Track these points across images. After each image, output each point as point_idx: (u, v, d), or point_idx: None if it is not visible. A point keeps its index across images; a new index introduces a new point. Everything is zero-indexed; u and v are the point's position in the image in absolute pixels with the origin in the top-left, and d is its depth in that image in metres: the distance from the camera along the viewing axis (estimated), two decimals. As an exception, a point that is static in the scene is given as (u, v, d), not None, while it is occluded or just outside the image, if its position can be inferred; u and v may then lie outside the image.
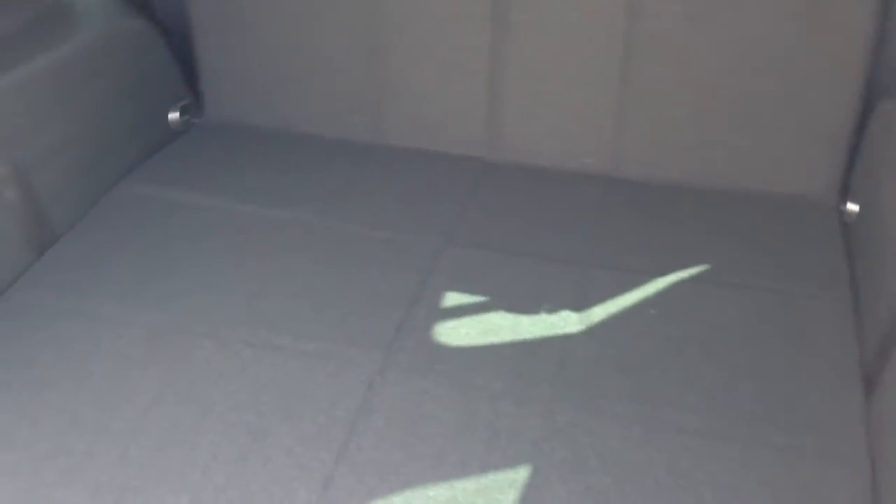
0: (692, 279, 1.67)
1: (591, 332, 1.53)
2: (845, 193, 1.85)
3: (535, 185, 1.97)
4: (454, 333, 1.53)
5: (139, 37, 2.04)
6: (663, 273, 1.67)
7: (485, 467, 1.28)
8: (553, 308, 1.58)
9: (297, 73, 2.09)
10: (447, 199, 1.91)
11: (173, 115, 2.11)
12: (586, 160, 1.99)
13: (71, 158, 1.83)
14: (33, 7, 1.87)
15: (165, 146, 2.08)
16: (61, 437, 1.33)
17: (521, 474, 1.27)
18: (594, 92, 1.95)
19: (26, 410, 1.38)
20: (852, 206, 1.79)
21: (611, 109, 1.94)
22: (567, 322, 1.55)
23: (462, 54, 1.98)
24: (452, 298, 1.61)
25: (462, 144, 2.06)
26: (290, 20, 2.04)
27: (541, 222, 1.84)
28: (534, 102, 2.00)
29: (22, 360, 1.49)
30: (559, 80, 1.96)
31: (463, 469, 1.28)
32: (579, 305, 1.59)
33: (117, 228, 1.81)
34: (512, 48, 1.95)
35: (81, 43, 1.87)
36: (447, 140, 2.07)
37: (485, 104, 2.01)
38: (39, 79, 1.76)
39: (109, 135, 1.94)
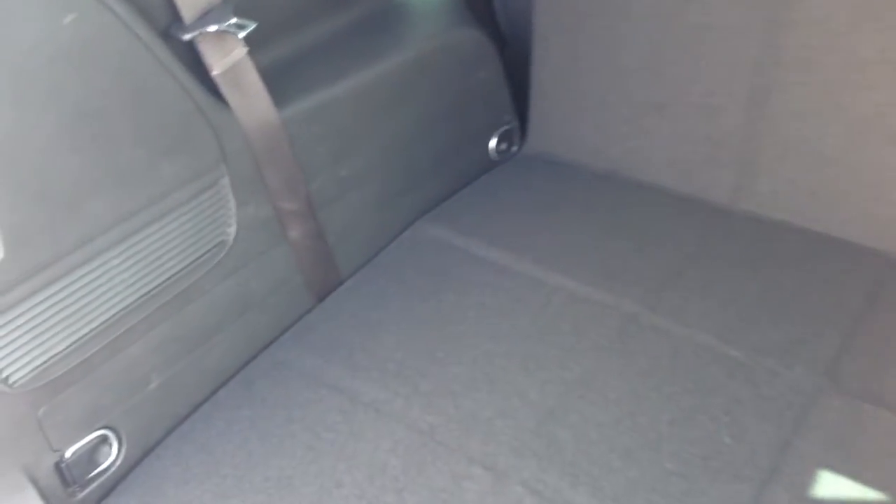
0: None
1: None
2: None
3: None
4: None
5: (475, 48, 1.70)
6: None
7: None
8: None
9: (646, 108, 1.66)
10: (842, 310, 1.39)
11: (492, 143, 1.79)
12: None
13: (369, 191, 1.56)
14: (367, 4, 1.62)
15: (475, 180, 1.76)
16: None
17: None
18: None
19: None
20: None
21: None
22: None
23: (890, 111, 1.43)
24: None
25: (872, 233, 1.50)
26: (651, 47, 1.61)
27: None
28: None
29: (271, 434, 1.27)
30: None
31: None
32: None
33: (405, 281, 1.52)
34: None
35: (412, 52, 1.58)
36: (848, 224, 1.52)
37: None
38: (355, 95, 1.50)
39: (419, 162, 1.65)
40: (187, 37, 1.24)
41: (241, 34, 1.26)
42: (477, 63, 1.70)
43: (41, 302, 1.12)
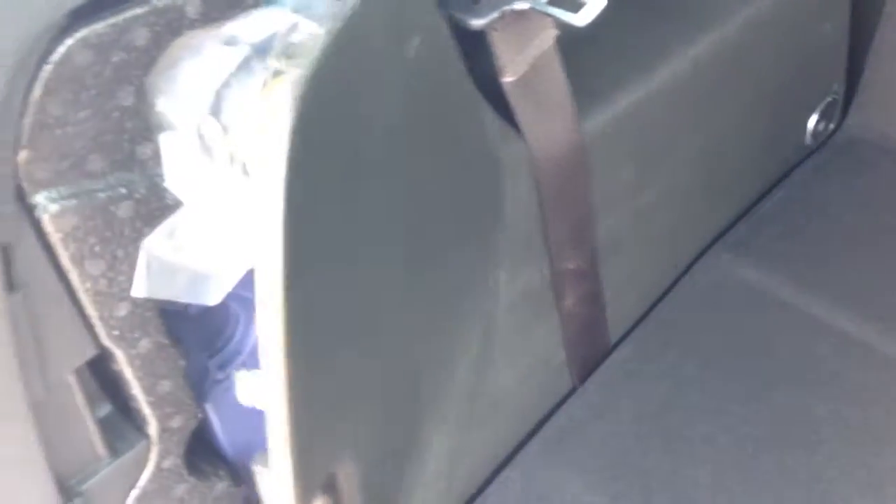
0: None
1: None
2: None
3: None
4: None
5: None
6: None
7: None
8: None
9: None
10: None
11: (811, 122, 1.22)
12: None
13: (663, 222, 1.02)
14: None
15: (784, 178, 1.20)
16: None
17: None
18: None
19: None
20: None
21: None
22: None
23: None
24: None
25: None
26: None
27: None
28: None
29: None
30: None
31: None
32: None
33: (697, 349, 1.01)
34: None
35: (752, 8, 0.99)
36: None
37: None
38: (674, 86, 0.92)
39: (727, 167, 1.08)
40: (480, 22, 0.68)
41: (555, 10, 0.70)
42: (825, 9, 1.10)
43: None
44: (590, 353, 1.03)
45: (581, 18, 0.65)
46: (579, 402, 1.01)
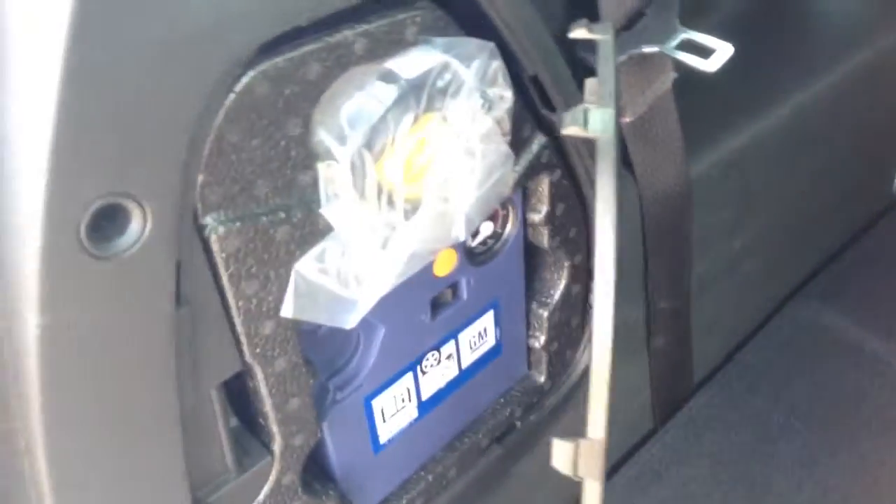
0: None
1: None
2: None
3: None
4: None
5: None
6: None
7: None
8: None
9: None
10: None
11: (896, 173, 1.22)
12: None
13: (755, 263, 1.03)
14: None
15: (873, 227, 1.20)
16: None
17: None
18: None
19: None
20: None
21: None
22: None
23: None
24: None
25: None
26: None
27: None
28: None
29: None
30: None
31: None
32: None
33: (777, 396, 1.02)
34: None
35: (870, 51, 1.02)
36: None
37: None
38: (786, 126, 0.94)
39: (816, 208, 1.10)
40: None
41: (685, 56, 0.72)
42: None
43: None
44: (674, 393, 1.04)
45: (711, 65, 0.67)
46: (661, 444, 1.02)
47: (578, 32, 0.67)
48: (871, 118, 1.11)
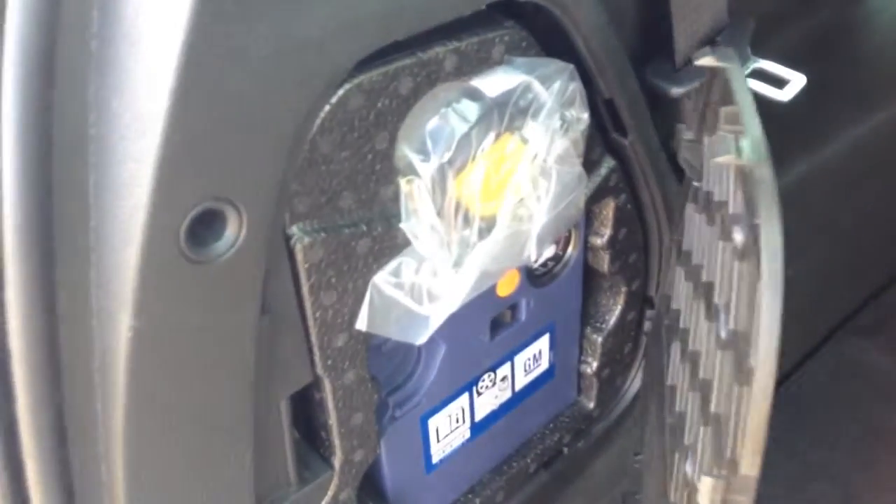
0: None
1: None
2: None
3: None
4: None
5: None
6: None
7: None
8: None
9: None
10: None
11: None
12: None
13: (798, 299, 1.02)
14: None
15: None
16: None
17: None
18: None
19: None
20: None
21: None
22: None
23: None
24: None
25: None
26: None
27: None
28: None
29: None
30: None
31: None
32: None
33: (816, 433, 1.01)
34: None
35: None
36: None
37: None
38: (848, 155, 0.95)
39: (863, 250, 1.10)
40: (680, 91, 0.71)
41: (759, 85, 0.72)
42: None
43: None
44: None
45: (785, 94, 0.67)
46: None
47: (705, 60, 0.68)
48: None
